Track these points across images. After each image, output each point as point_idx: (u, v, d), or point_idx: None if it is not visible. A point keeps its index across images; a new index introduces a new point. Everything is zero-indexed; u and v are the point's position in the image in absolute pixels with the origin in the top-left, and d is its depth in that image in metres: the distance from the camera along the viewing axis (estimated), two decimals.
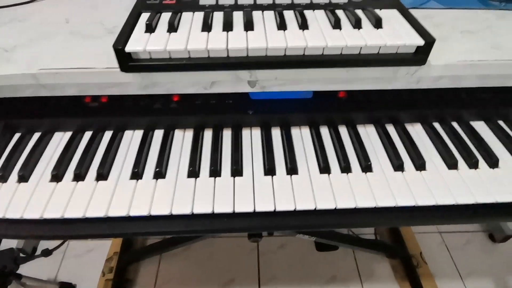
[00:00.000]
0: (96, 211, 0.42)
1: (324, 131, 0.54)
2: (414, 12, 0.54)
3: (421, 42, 0.39)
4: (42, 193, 0.44)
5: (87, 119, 0.52)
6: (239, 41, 0.39)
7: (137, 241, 1.21)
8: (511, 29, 0.50)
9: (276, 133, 0.53)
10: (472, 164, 0.48)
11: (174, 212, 0.42)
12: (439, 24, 0.51)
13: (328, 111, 0.54)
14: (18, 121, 0.52)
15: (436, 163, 0.49)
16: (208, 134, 0.53)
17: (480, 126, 0.54)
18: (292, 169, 0.47)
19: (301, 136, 0.53)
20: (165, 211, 0.43)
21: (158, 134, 0.52)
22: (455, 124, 0.55)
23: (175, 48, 0.38)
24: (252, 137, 0.53)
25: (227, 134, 0.53)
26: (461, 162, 0.49)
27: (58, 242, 1.13)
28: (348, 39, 0.40)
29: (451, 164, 0.48)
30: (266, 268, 1.15)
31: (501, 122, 0.55)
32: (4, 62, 0.45)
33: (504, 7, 0.56)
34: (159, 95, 0.51)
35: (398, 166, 0.48)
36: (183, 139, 0.52)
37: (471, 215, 0.44)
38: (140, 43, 0.38)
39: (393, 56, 0.41)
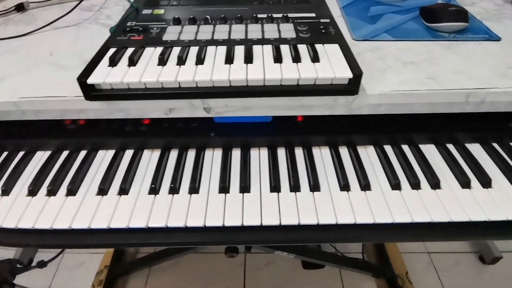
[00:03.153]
0: (61, 223, 0.47)
1: (281, 153, 0.58)
2: (366, 44, 0.60)
3: (350, 75, 0.44)
4: (19, 206, 0.50)
5: (65, 140, 0.58)
6: (188, 74, 0.44)
7: (128, 254, 1.25)
8: (452, 60, 0.54)
9: (236, 154, 0.58)
10: (415, 185, 0.51)
11: (131, 225, 0.47)
12: (384, 56, 0.55)
13: (286, 134, 0.59)
14: (4, 142, 0.59)
15: (381, 183, 0.52)
16: (173, 155, 0.58)
17: (429, 148, 0.58)
18: (244, 188, 0.51)
19: (259, 157, 0.57)
20: (123, 225, 0.47)
21: (128, 154, 0.58)
22: (405, 147, 0.58)
23: (131, 81, 0.44)
24: (213, 158, 0.57)
25: (191, 155, 0.58)
26: (404, 183, 0.52)
27: (53, 254, 1.19)
28: (285, 72, 0.44)
29: (395, 184, 0.51)
30: (251, 284, 1.17)
31: (450, 146, 0.58)
32: None
33: (453, 38, 0.60)
34: (131, 119, 0.56)
35: (344, 185, 0.51)
36: (149, 159, 0.57)
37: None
38: (101, 76, 0.44)
39: (328, 87, 0.45)
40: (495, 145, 0.58)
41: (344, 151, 0.58)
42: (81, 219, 0.47)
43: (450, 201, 0.49)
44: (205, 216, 0.48)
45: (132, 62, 0.46)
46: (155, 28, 0.55)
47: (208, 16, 0.57)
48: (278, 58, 0.47)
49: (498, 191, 0.50)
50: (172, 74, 0.44)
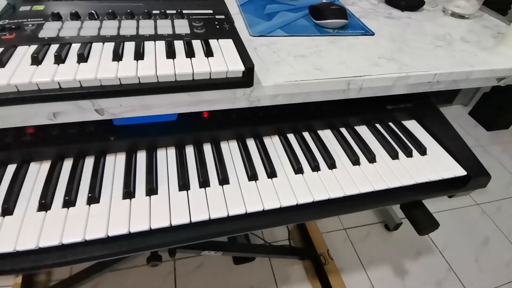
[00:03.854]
0: None
1: (189, 151, 0.57)
2: (262, 40, 0.62)
3: (242, 67, 0.45)
4: None
5: None
6: (68, 73, 0.41)
7: (39, 283, 1.10)
8: (335, 52, 0.60)
9: (141, 156, 0.55)
10: (314, 167, 0.56)
11: (19, 248, 0.41)
12: (278, 50, 0.58)
13: (193, 131, 0.58)
14: None
15: (286, 169, 0.56)
16: (68, 164, 0.52)
17: (325, 133, 0.64)
18: (150, 190, 0.49)
19: (166, 157, 0.56)
20: (8, 249, 0.41)
21: (11, 169, 0.50)
22: (306, 134, 0.63)
23: None
24: (115, 163, 0.54)
25: (89, 163, 0.53)
26: (305, 166, 0.56)
27: None
28: (178, 67, 0.44)
29: (297, 169, 0.55)
30: None
31: (343, 129, 0.65)
32: None
33: (336, 33, 0.67)
34: (10, 129, 0.49)
35: (251, 175, 0.53)
36: (38, 172, 0.50)
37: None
38: None
39: (224, 80, 0.46)
40: (378, 125, 0.66)
41: (251, 143, 0.60)
42: None
43: (344, 178, 0.55)
44: (107, 225, 0.45)
45: (0, 63, 0.40)
46: (30, 25, 0.49)
47: (94, 11, 0.53)
48: (171, 54, 0.46)
49: (381, 165, 0.58)
50: (49, 74, 0.40)
